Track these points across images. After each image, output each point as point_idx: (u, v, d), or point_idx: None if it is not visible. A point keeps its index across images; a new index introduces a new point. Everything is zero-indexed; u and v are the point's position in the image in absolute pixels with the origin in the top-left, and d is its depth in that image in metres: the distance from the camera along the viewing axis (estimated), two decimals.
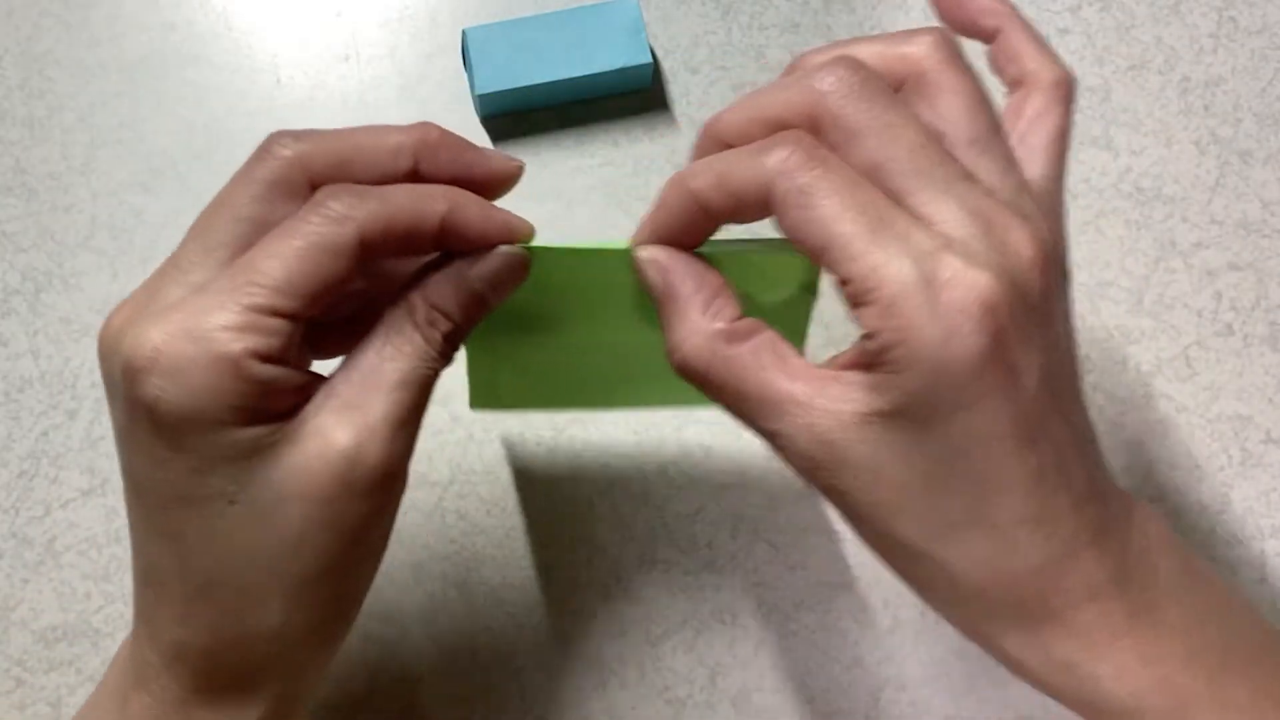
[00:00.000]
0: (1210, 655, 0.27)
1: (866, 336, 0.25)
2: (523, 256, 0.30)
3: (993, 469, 0.26)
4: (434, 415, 0.43)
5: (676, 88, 0.48)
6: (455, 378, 0.33)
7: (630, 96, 0.48)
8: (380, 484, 0.27)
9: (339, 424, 0.27)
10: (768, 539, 0.42)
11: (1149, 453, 0.44)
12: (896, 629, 0.41)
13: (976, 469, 0.26)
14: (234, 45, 0.49)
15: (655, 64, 0.48)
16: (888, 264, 0.25)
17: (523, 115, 0.48)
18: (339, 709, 0.40)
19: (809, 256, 0.26)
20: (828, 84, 0.26)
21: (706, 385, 0.28)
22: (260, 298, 0.26)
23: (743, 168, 0.27)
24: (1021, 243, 0.26)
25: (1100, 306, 0.46)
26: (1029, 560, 0.26)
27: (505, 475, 0.43)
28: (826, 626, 0.41)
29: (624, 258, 0.30)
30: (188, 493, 0.27)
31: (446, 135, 0.30)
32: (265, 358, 0.26)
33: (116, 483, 0.42)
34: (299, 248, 0.26)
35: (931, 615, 0.41)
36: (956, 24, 0.31)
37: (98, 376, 0.43)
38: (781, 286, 0.32)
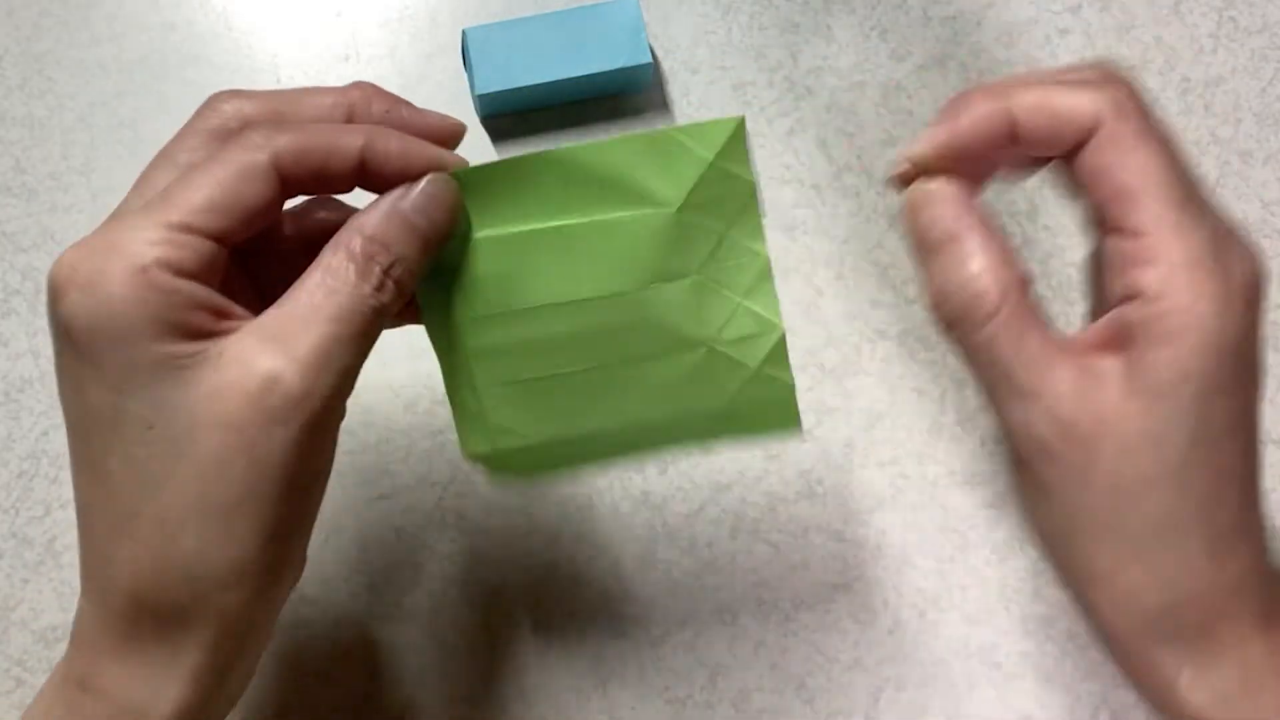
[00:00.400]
0: None
1: (1135, 303, 0.26)
2: (449, 179, 0.30)
3: (1228, 465, 0.26)
4: (435, 415, 0.43)
5: (676, 88, 0.48)
6: None
7: (630, 96, 0.48)
8: (304, 416, 0.26)
9: (261, 351, 0.26)
10: (768, 539, 0.42)
11: None
12: (896, 629, 0.41)
13: (1215, 463, 0.26)
14: (234, 45, 0.49)
15: (655, 64, 0.48)
16: (1192, 231, 0.26)
17: (523, 115, 0.48)
18: (339, 709, 0.40)
19: (1103, 199, 0.26)
20: (1124, 91, 0.27)
21: (978, 332, 0.27)
22: (175, 215, 0.26)
23: (1073, 95, 0.27)
24: (1257, 255, 0.27)
25: None
26: (1229, 573, 0.26)
27: None
28: (826, 626, 0.41)
29: (579, 155, 0.30)
30: (107, 418, 0.26)
31: (380, 90, 0.30)
32: (179, 271, 0.26)
33: None
34: (214, 173, 0.27)
35: (932, 616, 0.41)
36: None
37: None
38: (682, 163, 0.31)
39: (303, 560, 0.29)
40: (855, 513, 0.42)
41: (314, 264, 0.28)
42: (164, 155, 0.29)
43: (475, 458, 0.33)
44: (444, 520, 0.42)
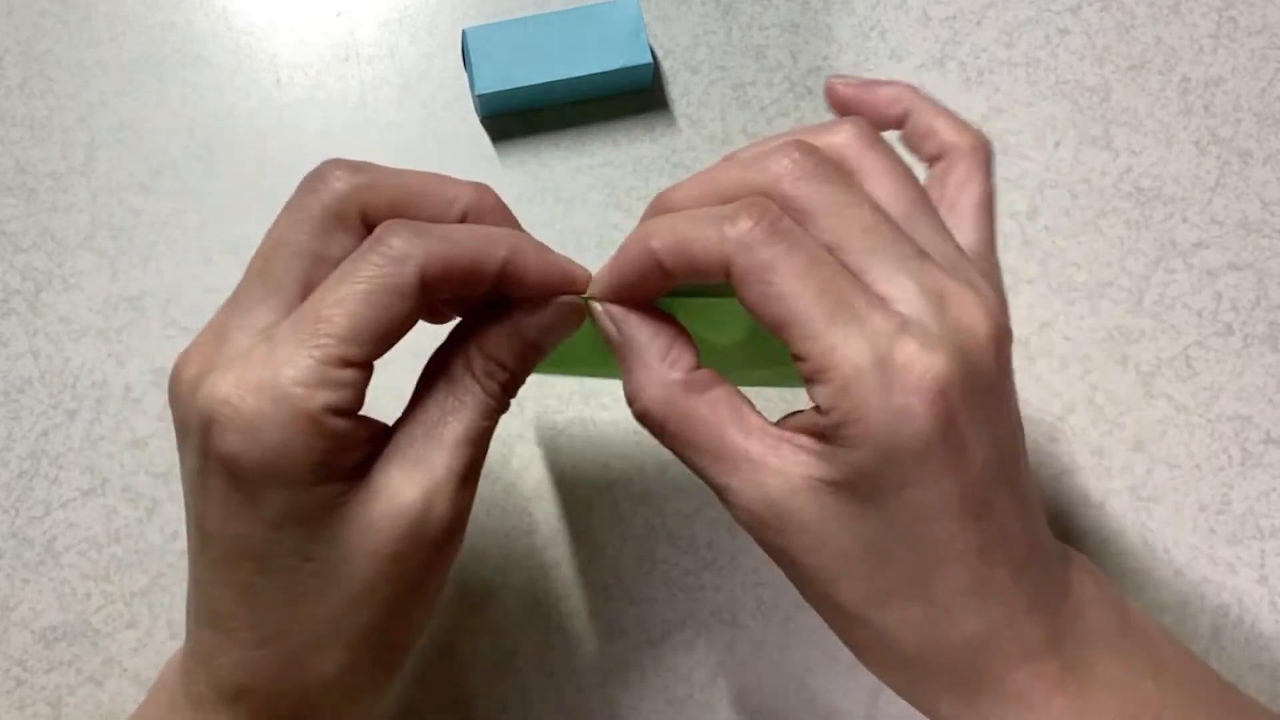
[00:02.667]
0: (1145, 711, 0.27)
1: (820, 411, 0.26)
2: (578, 306, 0.30)
3: (936, 542, 0.26)
4: None
5: (676, 88, 0.48)
6: None
7: (630, 96, 0.48)
8: (444, 539, 0.28)
9: (406, 482, 0.27)
10: None
11: (1149, 453, 0.44)
12: None
13: (921, 541, 0.26)
14: (234, 45, 0.49)
15: (655, 64, 0.48)
16: (845, 345, 0.25)
17: (523, 115, 0.48)
18: None
19: (768, 330, 0.26)
20: (783, 166, 0.27)
21: (663, 434, 0.28)
22: (332, 348, 0.26)
23: (704, 235, 0.26)
24: (977, 320, 0.26)
25: (1100, 306, 0.46)
26: (966, 629, 0.26)
27: (505, 475, 0.43)
28: (826, 626, 0.41)
29: (731, 307, 0.29)
30: (261, 548, 0.27)
31: (499, 202, 0.30)
32: (340, 411, 0.26)
33: (116, 483, 0.42)
34: (363, 291, 0.26)
35: None
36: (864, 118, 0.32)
37: (97, 376, 0.43)
38: (737, 326, 0.32)
39: (413, 654, 0.31)
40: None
41: (440, 379, 0.29)
42: (278, 240, 0.28)
43: None
44: None
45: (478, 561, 0.42)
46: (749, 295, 0.26)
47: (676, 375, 0.28)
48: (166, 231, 0.46)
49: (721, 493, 0.28)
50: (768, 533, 0.27)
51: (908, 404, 0.24)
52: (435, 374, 0.29)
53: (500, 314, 0.29)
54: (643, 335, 0.29)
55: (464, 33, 0.46)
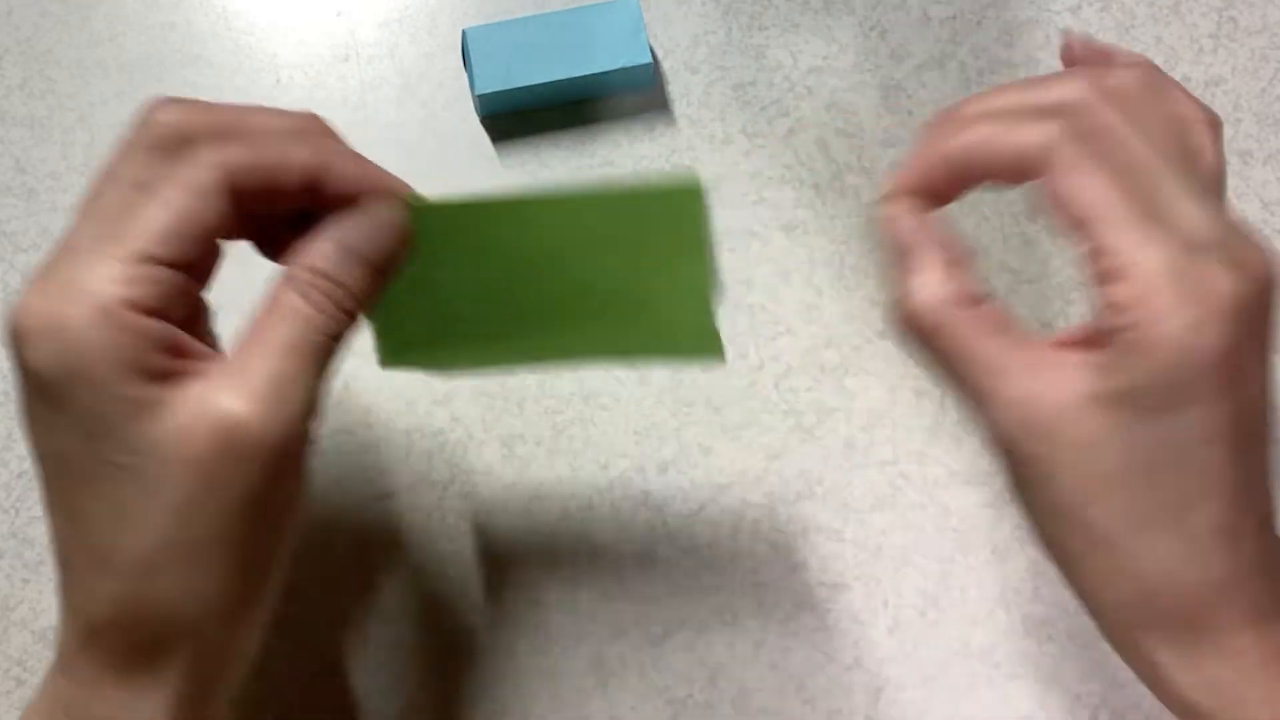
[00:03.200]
0: None
1: (1108, 312, 0.26)
2: (397, 209, 0.29)
3: (1204, 470, 0.26)
4: (434, 415, 0.43)
5: (676, 88, 0.48)
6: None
7: (630, 96, 0.48)
8: (270, 449, 0.27)
9: (221, 388, 0.27)
10: (768, 539, 0.42)
11: None
12: (896, 629, 0.41)
13: (1190, 466, 0.26)
14: (234, 45, 0.49)
15: (655, 64, 0.48)
16: (1153, 245, 0.26)
17: (523, 115, 0.48)
18: (339, 709, 0.40)
19: (1070, 223, 0.27)
20: (1077, 89, 0.28)
21: (934, 340, 0.29)
22: (130, 244, 0.26)
23: (1014, 133, 0.28)
24: (1260, 261, 0.27)
25: None
26: (1211, 571, 0.26)
27: (505, 475, 0.43)
28: (826, 626, 0.41)
29: (521, 209, 0.29)
30: (78, 461, 0.26)
31: (329, 128, 0.30)
32: (144, 309, 0.26)
33: None
34: (166, 194, 0.27)
35: (932, 616, 0.41)
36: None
37: None
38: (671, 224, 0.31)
39: (279, 586, 0.30)
40: (855, 513, 0.42)
41: (266, 298, 0.28)
42: (108, 174, 0.28)
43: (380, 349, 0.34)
44: (444, 520, 0.42)
45: (478, 561, 0.42)
46: (1064, 186, 0.27)
47: (957, 286, 0.29)
48: None
49: (985, 400, 0.28)
50: (1033, 445, 0.27)
51: (1207, 315, 0.25)
52: (266, 293, 0.29)
53: (323, 227, 0.29)
54: (933, 239, 0.29)
55: (464, 33, 0.46)
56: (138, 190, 0.28)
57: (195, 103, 0.29)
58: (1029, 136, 0.28)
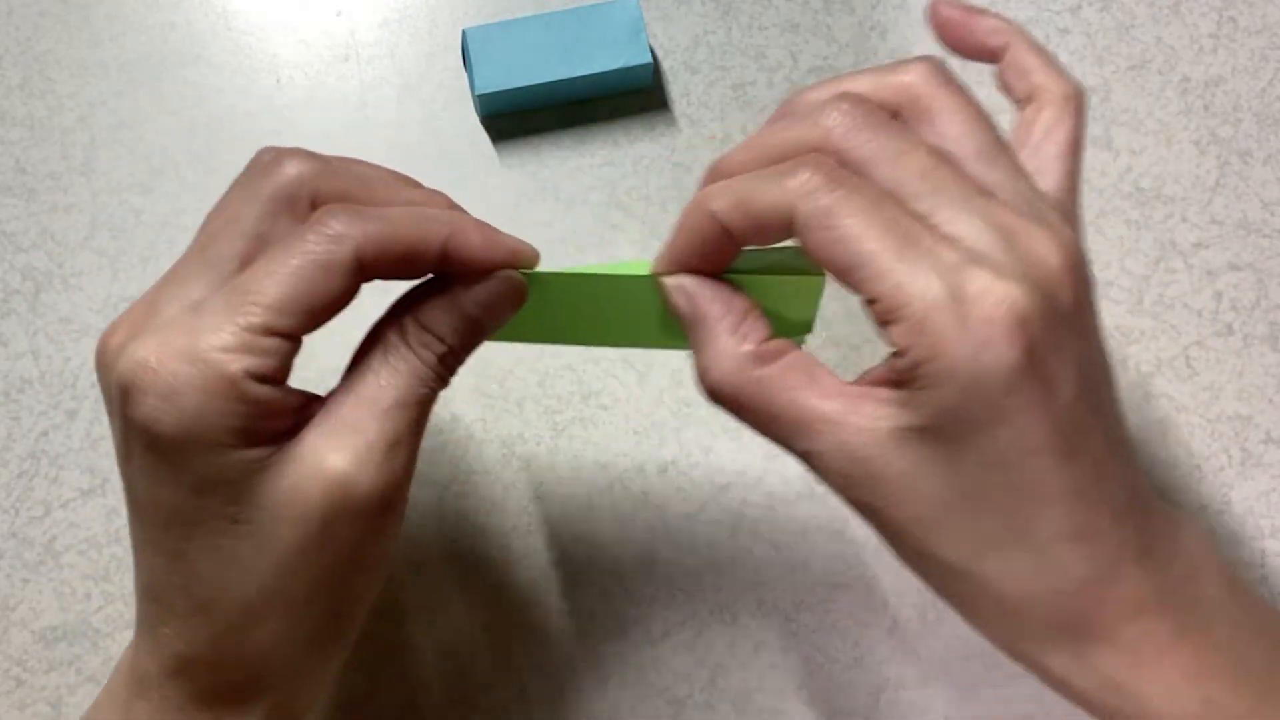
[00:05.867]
0: (1258, 676, 0.27)
1: (896, 354, 0.25)
2: (520, 283, 0.30)
3: (1031, 484, 0.25)
4: (434, 415, 0.43)
5: (676, 88, 0.48)
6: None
7: (630, 96, 0.48)
8: (376, 506, 0.27)
9: (334, 446, 0.27)
10: (768, 539, 0.42)
11: (1149, 452, 0.44)
12: (896, 629, 0.41)
13: (1014, 484, 0.25)
14: (234, 45, 0.49)
15: (655, 64, 0.48)
16: (915, 280, 0.25)
17: (523, 115, 0.48)
18: (339, 709, 0.40)
19: (836, 276, 0.26)
20: (833, 119, 0.27)
21: (739, 408, 0.28)
22: (256, 316, 0.26)
23: (764, 190, 0.27)
24: (1048, 251, 0.25)
25: (1100, 306, 0.46)
26: (1071, 576, 0.26)
27: (505, 475, 0.43)
28: (826, 626, 0.41)
29: (636, 283, 0.29)
30: (188, 513, 0.27)
31: (456, 207, 0.30)
32: (262, 378, 0.26)
33: (116, 483, 0.42)
34: (296, 266, 0.26)
35: (932, 615, 0.41)
36: (963, 46, 0.32)
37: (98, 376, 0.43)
38: (801, 303, 0.31)
39: (361, 626, 0.31)
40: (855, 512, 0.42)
41: (376, 347, 0.29)
42: (227, 217, 0.28)
43: None
44: (444, 520, 0.42)
45: (478, 561, 0.42)
46: (815, 242, 0.26)
47: (748, 348, 0.28)
48: (166, 231, 0.46)
49: (807, 459, 0.27)
50: (858, 491, 0.27)
51: (987, 334, 0.24)
52: (372, 343, 0.29)
53: (442, 287, 0.29)
54: (715, 309, 0.29)
55: (464, 33, 0.46)
56: (258, 243, 0.28)
57: (321, 160, 0.29)
58: (771, 195, 0.26)
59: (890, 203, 0.26)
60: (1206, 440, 0.44)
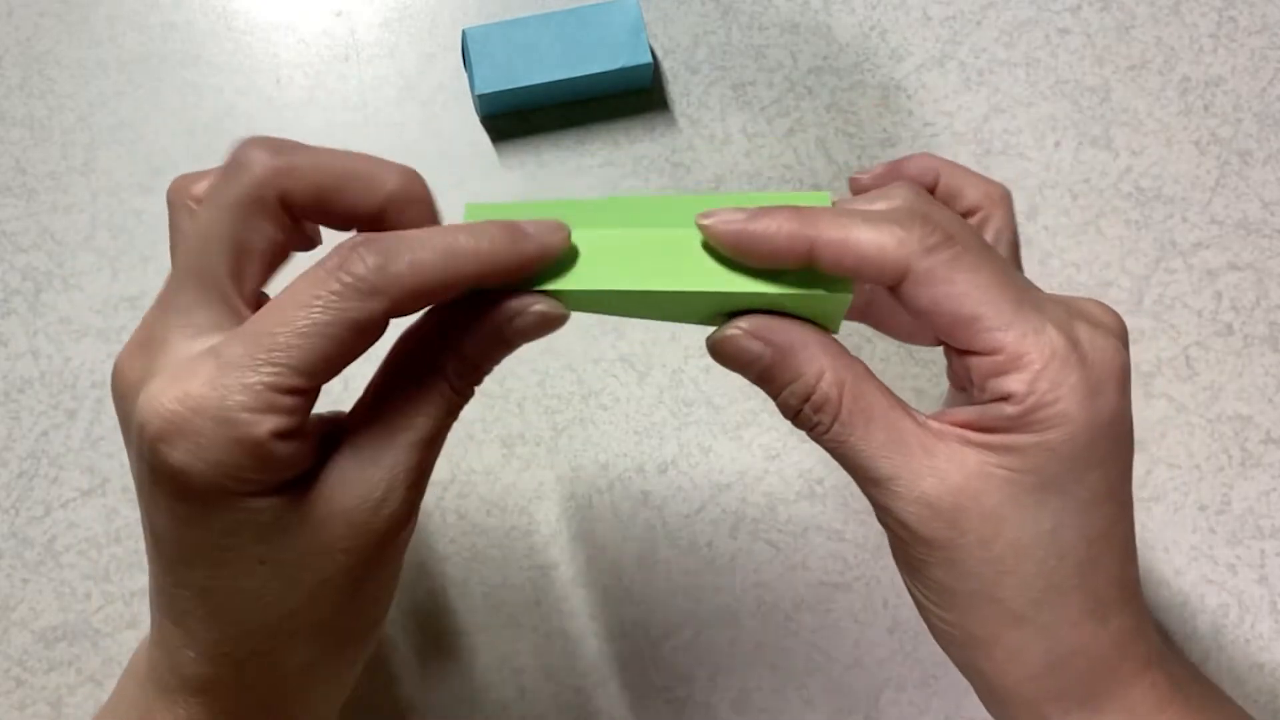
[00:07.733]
0: (1210, 714, 0.28)
1: (1005, 402, 0.26)
2: (563, 314, 0.28)
3: (1106, 528, 0.27)
4: None
5: (676, 88, 0.48)
6: None
7: (630, 96, 0.48)
8: (397, 532, 0.28)
9: (361, 480, 0.27)
10: (768, 539, 0.42)
11: (1149, 453, 0.44)
12: (896, 629, 0.41)
13: (1090, 529, 0.26)
14: (234, 45, 0.48)
15: (655, 64, 0.48)
16: (1038, 331, 0.26)
17: (523, 115, 0.48)
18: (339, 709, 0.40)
19: (943, 328, 0.26)
20: (906, 196, 0.28)
21: (836, 418, 0.28)
22: (282, 377, 0.25)
23: (874, 237, 0.26)
24: (1106, 314, 0.28)
25: None
26: (1114, 627, 0.27)
27: (505, 475, 0.43)
28: (826, 626, 0.41)
29: (684, 296, 0.28)
30: (214, 555, 0.27)
31: (426, 192, 0.29)
32: (286, 435, 0.25)
33: (116, 483, 0.42)
34: (323, 325, 0.25)
35: None
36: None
37: (98, 376, 0.43)
38: (826, 318, 0.31)
39: (375, 642, 0.31)
40: (855, 513, 0.42)
41: (404, 375, 0.28)
42: (208, 237, 0.28)
43: None
44: (444, 520, 0.42)
45: (478, 561, 0.42)
46: (928, 296, 0.26)
47: (847, 360, 0.28)
48: (166, 231, 0.45)
49: (887, 483, 0.27)
50: (937, 524, 0.27)
51: (1099, 382, 0.26)
52: (401, 365, 0.28)
53: (477, 311, 0.28)
54: (794, 334, 0.28)
55: (464, 33, 0.46)
56: (242, 254, 0.28)
57: (285, 154, 0.28)
58: (884, 240, 0.26)
59: (996, 255, 0.27)
60: (1206, 440, 0.44)
